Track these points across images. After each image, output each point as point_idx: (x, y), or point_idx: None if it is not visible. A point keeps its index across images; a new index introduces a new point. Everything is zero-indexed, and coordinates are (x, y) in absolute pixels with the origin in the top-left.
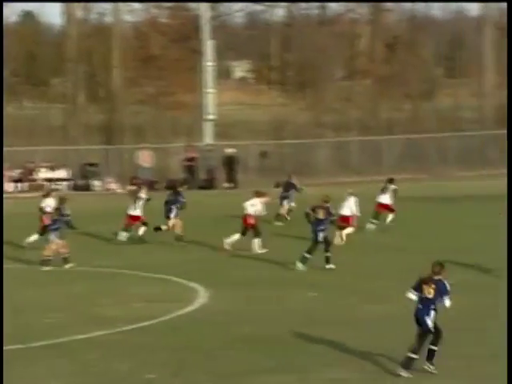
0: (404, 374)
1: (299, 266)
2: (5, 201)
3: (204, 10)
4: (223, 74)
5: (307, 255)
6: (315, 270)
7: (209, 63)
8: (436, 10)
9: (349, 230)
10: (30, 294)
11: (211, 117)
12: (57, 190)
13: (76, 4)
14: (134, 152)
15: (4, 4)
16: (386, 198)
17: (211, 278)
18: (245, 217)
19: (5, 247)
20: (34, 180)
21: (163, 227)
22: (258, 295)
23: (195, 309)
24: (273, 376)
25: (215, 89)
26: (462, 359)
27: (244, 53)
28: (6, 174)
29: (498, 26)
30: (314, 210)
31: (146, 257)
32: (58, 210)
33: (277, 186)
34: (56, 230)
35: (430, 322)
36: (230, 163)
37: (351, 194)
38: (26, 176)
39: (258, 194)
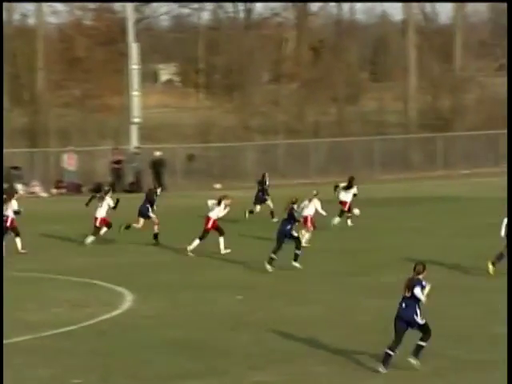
0: (382, 369)
1: (268, 267)
2: None
3: (129, 13)
4: (150, 77)
5: (273, 255)
6: (244, 272)
7: (134, 66)
8: (360, 14)
9: (307, 235)
10: None
11: (137, 120)
12: None
13: None
14: (59, 155)
15: None
16: (347, 196)
17: (137, 282)
18: (208, 219)
19: None
20: None
21: (135, 225)
22: (185, 299)
23: (121, 313)
24: (198, 380)
25: (141, 92)
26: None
27: (170, 56)
28: None
29: (420, 31)
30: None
31: (71, 261)
32: None
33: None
34: None
35: (419, 319)
36: (157, 166)
37: (315, 196)
38: None
39: (222, 197)
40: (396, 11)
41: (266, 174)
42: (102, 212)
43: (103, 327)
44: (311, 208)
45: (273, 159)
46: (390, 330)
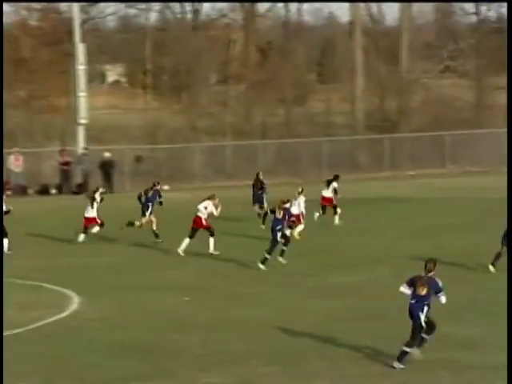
0: (397, 366)
1: (261, 266)
2: None
3: (75, 13)
4: (97, 77)
5: (268, 256)
6: (194, 273)
7: (81, 67)
8: (308, 15)
9: (300, 227)
10: None
11: (83, 121)
12: None
13: None
14: (5, 157)
15: None
16: (328, 192)
17: (84, 284)
18: (197, 219)
19: None
20: None
21: (136, 223)
22: (133, 300)
23: (67, 315)
24: (147, 382)
25: (88, 92)
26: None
27: (117, 56)
28: None
29: (366, 32)
30: (273, 211)
31: (17, 263)
32: None
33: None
34: None
35: (422, 317)
36: (106, 167)
37: (300, 194)
38: None
39: (210, 197)
40: (343, 13)
41: (261, 173)
42: (92, 212)
43: (50, 330)
44: (298, 205)
45: (221, 160)
46: (339, 331)
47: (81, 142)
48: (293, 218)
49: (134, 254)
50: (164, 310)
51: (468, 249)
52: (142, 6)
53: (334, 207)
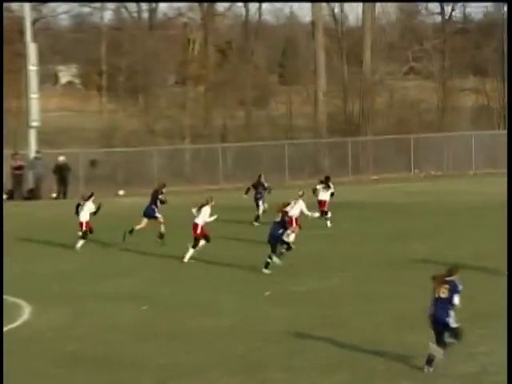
0: (427, 370)
1: (265, 271)
2: None
3: (27, 12)
4: (49, 78)
5: (270, 260)
6: (151, 282)
7: (32, 67)
8: (268, 15)
9: (292, 236)
10: None
11: (35, 124)
12: None
13: None
14: None
15: None
16: (326, 195)
17: (35, 293)
18: (195, 226)
19: None
20: None
21: (137, 227)
22: (86, 310)
23: (18, 326)
24: None
25: (40, 94)
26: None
27: (71, 57)
28: None
29: (329, 33)
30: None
31: None
32: None
33: (246, 192)
34: None
35: (451, 321)
36: (61, 172)
37: (301, 197)
38: None
39: (208, 201)
40: (305, 12)
41: (262, 175)
42: (85, 216)
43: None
44: (296, 209)
45: (179, 164)
46: (301, 340)
47: (33, 146)
48: (293, 228)
49: (87, 261)
50: (120, 319)
51: (431, 254)
52: (97, 4)
53: (325, 213)
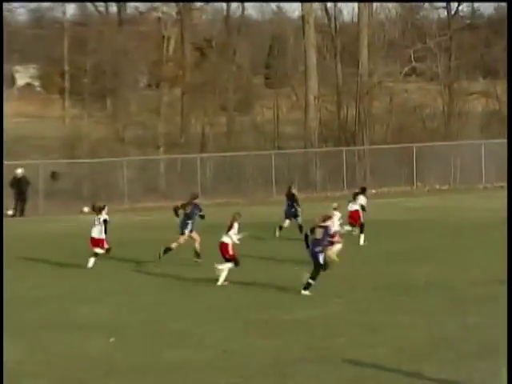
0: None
1: (305, 292)
2: None
3: None
4: (5, 80)
5: (312, 281)
6: (122, 308)
7: None
8: (252, 9)
9: (338, 246)
10: None
11: None
12: None
13: None
14: None
15: None
16: (355, 207)
17: None
18: (225, 247)
19: None
20: None
21: (172, 246)
22: (46, 341)
23: None
24: None
25: None
26: None
27: (29, 56)
28: None
29: (320, 30)
30: (312, 230)
31: None
32: None
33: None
34: None
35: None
36: (20, 185)
37: (336, 210)
38: None
39: (235, 217)
40: (293, 6)
41: (293, 186)
42: (97, 231)
43: None
44: (336, 223)
45: (152, 177)
46: (290, 375)
47: None
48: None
49: (49, 285)
50: (85, 352)
51: (435, 277)
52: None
53: (361, 226)
